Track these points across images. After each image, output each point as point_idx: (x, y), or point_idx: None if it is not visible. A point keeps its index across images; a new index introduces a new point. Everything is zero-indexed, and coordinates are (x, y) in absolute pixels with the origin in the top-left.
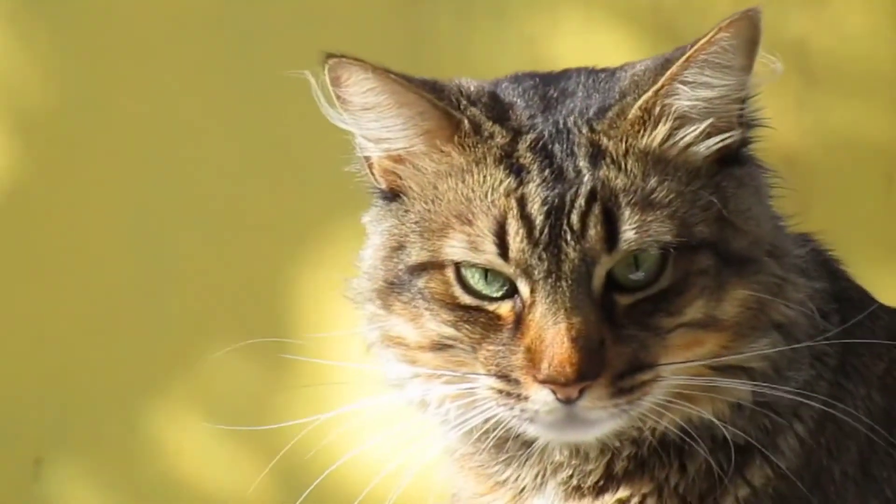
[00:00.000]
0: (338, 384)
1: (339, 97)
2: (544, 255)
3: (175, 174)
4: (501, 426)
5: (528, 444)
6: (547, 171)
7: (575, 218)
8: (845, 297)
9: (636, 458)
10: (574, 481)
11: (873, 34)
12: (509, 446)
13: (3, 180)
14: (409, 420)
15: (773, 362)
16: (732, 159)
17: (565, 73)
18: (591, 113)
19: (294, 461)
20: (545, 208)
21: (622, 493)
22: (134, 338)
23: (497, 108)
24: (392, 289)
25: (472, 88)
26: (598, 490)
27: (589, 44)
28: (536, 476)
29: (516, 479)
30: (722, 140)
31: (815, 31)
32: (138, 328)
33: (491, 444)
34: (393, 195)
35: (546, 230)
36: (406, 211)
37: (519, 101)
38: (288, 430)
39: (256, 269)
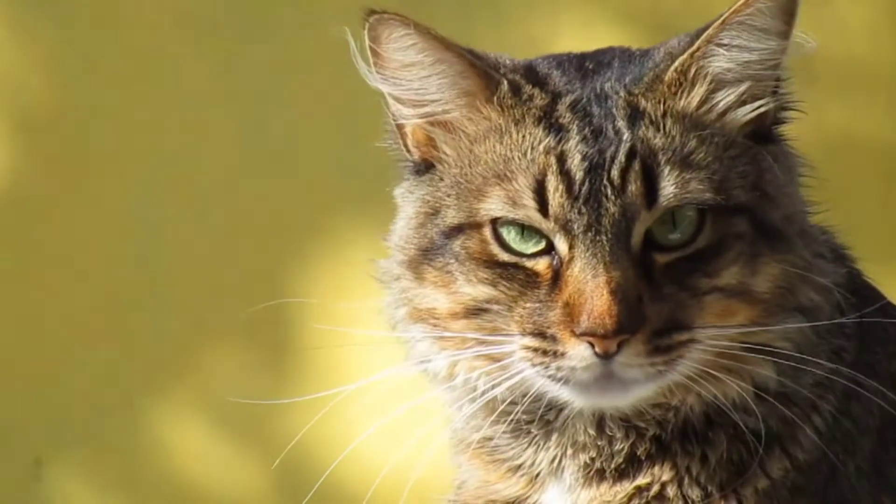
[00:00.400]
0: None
1: (378, 55)
2: (584, 210)
3: (175, 174)
4: (529, 396)
5: (550, 423)
6: (587, 130)
7: (615, 173)
8: (861, 293)
9: (659, 442)
10: (597, 464)
11: (873, 34)
12: (530, 426)
13: (4, 180)
14: (423, 402)
15: (797, 344)
16: (766, 136)
17: (599, 50)
18: (627, 79)
19: (296, 459)
20: (585, 164)
21: (642, 480)
22: (134, 338)
23: (535, 76)
24: (425, 256)
25: (507, 61)
26: (619, 475)
27: (588, 44)
28: (554, 460)
29: (532, 464)
30: (757, 108)
31: (815, 32)
32: (138, 328)
33: (511, 423)
34: (426, 166)
35: (586, 185)
36: (441, 178)
37: (555, 72)
38: (288, 428)
39: (257, 269)
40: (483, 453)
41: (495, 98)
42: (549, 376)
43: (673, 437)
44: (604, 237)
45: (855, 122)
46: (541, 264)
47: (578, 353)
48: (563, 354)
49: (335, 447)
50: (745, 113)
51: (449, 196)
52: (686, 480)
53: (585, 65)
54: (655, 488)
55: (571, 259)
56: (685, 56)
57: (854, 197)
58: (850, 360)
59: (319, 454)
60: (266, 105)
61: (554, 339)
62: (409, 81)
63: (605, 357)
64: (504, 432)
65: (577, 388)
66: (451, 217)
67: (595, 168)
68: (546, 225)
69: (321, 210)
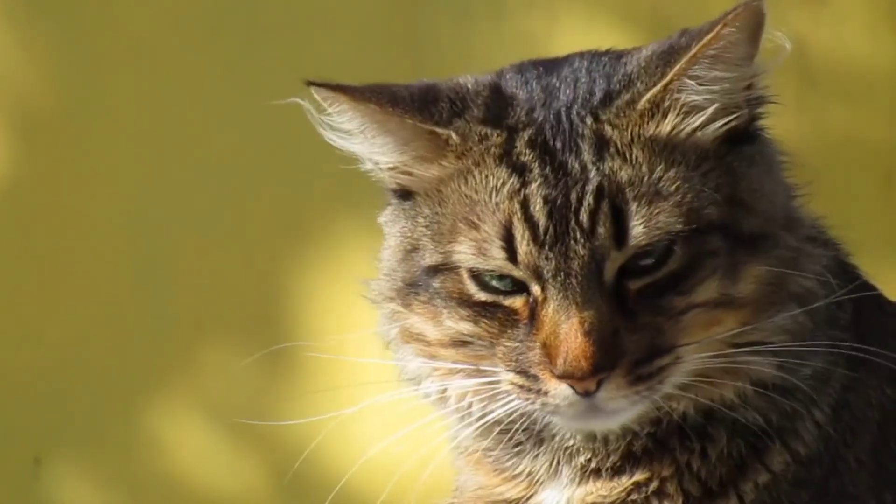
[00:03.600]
0: (346, 386)
1: (330, 126)
2: (551, 255)
3: (175, 174)
4: (524, 418)
5: (542, 437)
6: (548, 169)
7: (584, 217)
8: (846, 272)
9: (655, 438)
10: (593, 464)
11: (873, 34)
12: (524, 439)
13: (3, 180)
14: (424, 417)
15: (793, 334)
16: (742, 137)
17: (569, 59)
18: (595, 101)
19: (296, 458)
20: (547, 208)
21: (640, 475)
22: (134, 337)
23: (495, 105)
24: (411, 289)
25: (468, 87)
26: (616, 471)
27: (587, 43)
28: (551, 465)
29: (530, 472)
30: (729, 121)
31: (814, 31)
32: (138, 327)
33: (508, 437)
34: (405, 194)
35: (551, 230)
36: (416, 213)
37: (520, 92)
38: (290, 429)
39: (257, 268)
40: (481, 457)
41: (448, 151)
42: (537, 410)
43: (670, 433)
44: (574, 280)
45: (855, 122)
46: (518, 302)
47: (560, 393)
48: (546, 392)
49: (335, 446)
50: (717, 127)
51: (425, 235)
52: (686, 476)
53: (552, 82)
54: (655, 484)
55: (545, 300)
56: (658, 88)
57: (854, 197)
58: (850, 335)
59: (319, 454)
60: (266, 104)
61: (536, 378)
62: (360, 144)
63: (587, 395)
64: (500, 447)
65: (565, 418)
66: (429, 257)
67: (560, 210)
68: (517, 272)
69: (321, 210)
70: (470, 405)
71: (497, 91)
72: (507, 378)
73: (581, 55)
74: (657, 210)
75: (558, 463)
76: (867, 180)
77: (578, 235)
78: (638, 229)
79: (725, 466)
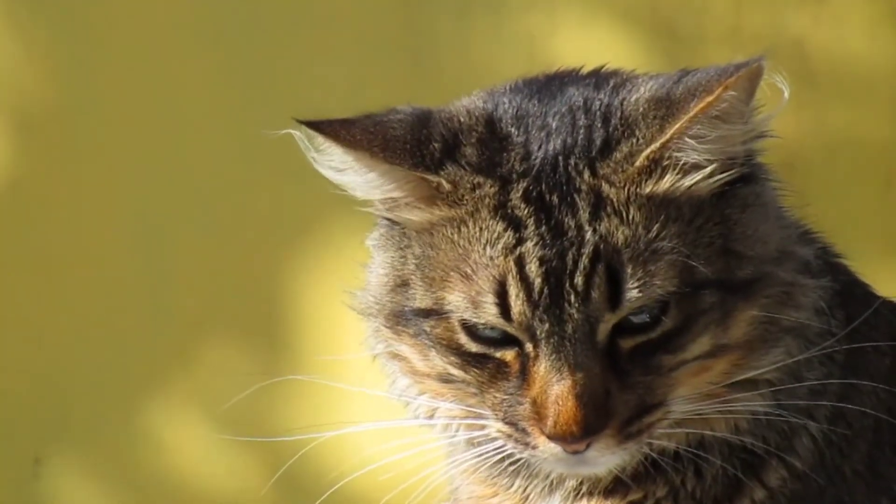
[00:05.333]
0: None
1: (320, 154)
2: (545, 317)
3: (175, 173)
4: (512, 456)
5: (530, 463)
6: (544, 228)
7: (579, 280)
8: (849, 293)
9: (648, 460)
10: (584, 488)
11: (873, 34)
12: (518, 465)
13: (3, 179)
14: (420, 437)
15: (789, 368)
16: (737, 180)
17: (564, 88)
18: (593, 151)
19: (298, 463)
20: (543, 269)
21: (633, 495)
22: (134, 337)
23: (489, 145)
24: (399, 320)
25: (462, 120)
26: (610, 492)
27: (587, 42)
28: (544, 487)
29: (524, 490)
30: (726, 177)
31: (814, 31)
32: (138, 327)
33: (500, 461)
34: (394, 222)
35: (546, 292)
36: (407, 247)
37: (515, 131)
38: (287, 427)
39: (257, 268)
40: (475, 472)
41: (438, 200)
42: (525, 457)
43: (664, 455)
44: (567, 342)
45: (855, 122)
46: (509, 355)
47: (549, 450)
48: (535, 447)
49: (334, 446)
50: (713, 182)
51: (415, 275)
52: (682, 495)
53: (548, 122)
54: (650, 502)
55: (537, 358)
56: (656, 146)
57: (854, 197)
58: (841, 361)
59: (319, 454)
60: (265, 104)
61: (525, 432)
62: (352, 181)
63: (575, 454)
64: (493, 466)
65: (552, 465)
66: (419, 300)
67: (555, 272)
68: (510, 328)
69: (321, 210)
70: (457, 431)
71: (491, 127)
72: (496, 426)
73: (577, 82)
74: (652, 271)
75: (551, 484)
76: (867, 180)
77: (573, 299)
78: (633, 293)
79: (720, 485)
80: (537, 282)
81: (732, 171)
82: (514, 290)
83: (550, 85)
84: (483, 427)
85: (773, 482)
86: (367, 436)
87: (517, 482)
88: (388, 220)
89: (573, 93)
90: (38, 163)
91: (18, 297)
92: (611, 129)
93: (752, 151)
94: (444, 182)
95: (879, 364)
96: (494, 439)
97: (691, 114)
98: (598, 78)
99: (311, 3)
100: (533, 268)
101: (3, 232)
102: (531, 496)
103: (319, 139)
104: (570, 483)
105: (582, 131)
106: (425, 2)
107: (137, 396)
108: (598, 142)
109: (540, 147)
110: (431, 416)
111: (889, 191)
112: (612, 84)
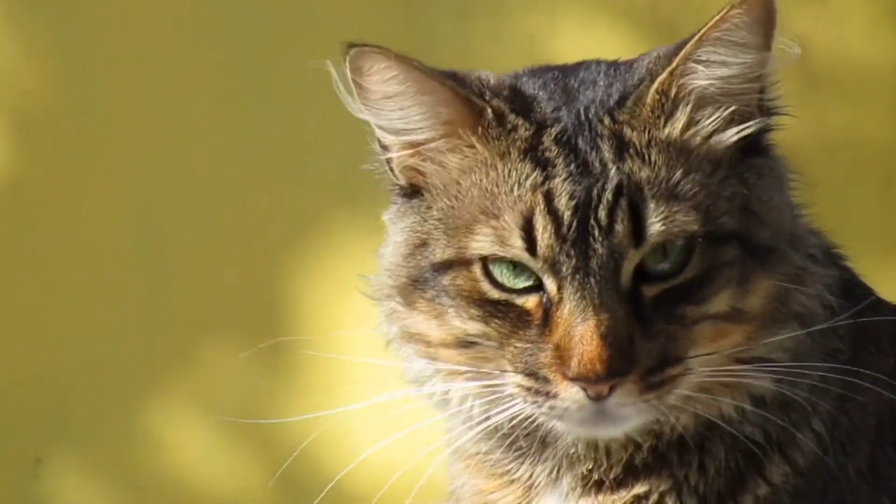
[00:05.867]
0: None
1: (360, 87)
2: (572, 252)
3: (175, 173)
4: (527, 422)
5: (545, 442)
6: (573, 165)
7: (602, 213)
8: (853, 293)
9: (656, 452)
10: (595, 475)
11: (873, 34)
12: (526, 444)
13: (3, 179)
14: (422, 419)
15: (793, 353)
16: (753, 149)
17: (584, 64)
18: (612, 102)
19: (300, 462)
20: (573, 203)
21: (639, 489)
22: (134, 336)
23: (519, 101)
24: (415, 286)
25: (492, 81)
26: (617, 485)
27: (588, 41)
28: (552, 471)
29: (530, 477)
30: (743, 129)
31: (814, 31)
32: (138, 327)
33: (510, 441)
34: (413, 192)
35: (574, 225)
36: (428, 207)
37: (541, 93)
38: (290, 428)
39: (256, 267)
40: (479, 463)
41: (479, 128)
42: (543, 413)
43: (670, 447)
44: (592, 279)
45: (855, 122)
46: (531, 302)
47: (571, 396)
48: (555, 395)
49: (334, 446)
50: (732, 135)
51: (437, 229)
52: (685, 489)
53: (570, 83)
54: (654, 497)
55: (561, 300)
56: (665, 75)
57: (854, 197)
58: (844, 360)
59: (318, 453)
60: (265, 104)
61: (546, 380)
62: (393, 112)
63: (598, 399)
64: (501, 451)
65: (570, 423)
66: (440, 252)
67: (582, 206)
68: (534, 264)
69: (321, 210)
70: (472, 408)
71: (516, 90)
72: (513, 381)
73: (596, 62)
74: (675, 209)
75: (559, 470)
76: (867, 180)
77: (597, 233)
78: (655, 227)
79: (724, 479)
80: (566, 214)
81: (747, 125)
82: (541, 224)
83: (566, 65)
84: (498, 393)
85: (776, 478)
86: (368, 436)
87: (524, 467)
88: (407, 189)
89: (592, 65)
90: (38, 163)
91: (18, 297)
92: (627, 85)
93: (766, 110)
94: (489, 110)
95: (882, 364)
96: (509, 408)
97: (698, 36)
98: (613, 60)
99: (311, 2)
100: (562, 201)
101: (3, 232)
102: (538, 483)
103: (366, 63)
104: (580, 469)
105: (601, 90)
106: (425, 2)
107: (137, 396)
108: (615, 95)
109: (565, 104)
110: (446, 400)
111: (889, 191)
112: (628, 61)
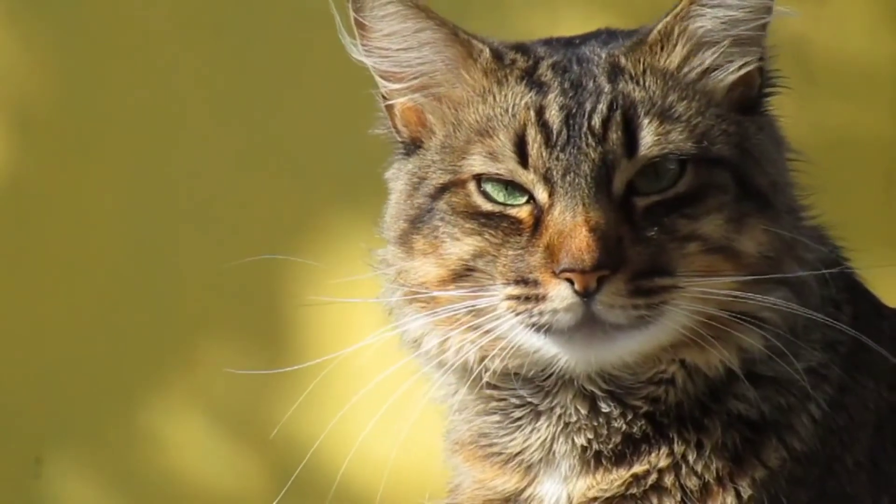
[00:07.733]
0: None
1: (362, 27)
2: (562, 157)
3: (175, 172)
4: (521, 370)
5: (540, 412)
6: (566, 84)
7: (597, 121)
8: (855, 293)
9: (654, 422)
10: (595, 446)
11: (873, 34)
12: (523, 416)
13: (3, 178)
14: (416, 408)
15: (785, 319)
16: (752, 107)
17: (589, 33)
18: (610, 45)
19: (295, 457)
20: (563, 113)
21: (639, 467)
22: (134, 336)
23: (520, 48)
24: (413, 225)
25: (495, 40)
26: (616, 459)
27: None
28: (544, 443)
29: (523, 451)
30: (740, 67)
31: (814, 31)
32: (138, 326)
33: (501, 410)
34: (415, 146)
35: (564, 133)
36: (427, 150)
37: (541, 48)
38: (290, 427)
39: (257, 268)
40: (476, 449)
41: (478, 64)
42: (533, 324)
43: (669, 420)
44: (583, 180)
45: (855, 121)
46: (523, 211)
47: (559, 294)
48: (544, 297)
49: (334, 443)
50: (728, 73)
51: (434, 162)
52: (683, 469)
53: (573, 42)
54: (653, 476)
55: (551, 206)
56: (668, 18)
57: (854, 196)
58: (844, 352)
59: (318, 449)
60: (265, 104)
61: (535, 283)
62: (394, 52)
63: (586, 294)
64: (495, 422)
65: (561, 339)
66: (437, 178)
67: (574, 116)
68: (526, 177)
69: (321, 209)
70: (468, 354)
71: (518, 44)
72: (505, 292)
73: (600, 29)
74: (668, 127)
75: (553, 443)
76: (867, 180)
77: (590, 139)
78: (649, 139)
79: (721, 460)
80: (556, 125)
81: (744, 63)
82: (531, 136)
83: (573, 37)
84: (492, 324)
85: (773, 462)
86: (368, 436)
87: (520, 437)
88: (408, 144)
89: (598, 33)
90: (38, 163)
91: (18, 297)
92: (630, 40)
93: (764, 65)
94: (487, 50)
95: (883, 364)
96: (504, 341)
97: None
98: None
99: (311, 2)
100: (552, 112)
101: (4, 232)
102: (535, 459)
103: (377, 2)
104: (579, 441)
105: (605, 42)
106: (425, 2)
107: (138, 396)
108: (617, 41)
109: (566, 49)
110: (442, 352)
111: (889, 190)
112: (632, 29)
